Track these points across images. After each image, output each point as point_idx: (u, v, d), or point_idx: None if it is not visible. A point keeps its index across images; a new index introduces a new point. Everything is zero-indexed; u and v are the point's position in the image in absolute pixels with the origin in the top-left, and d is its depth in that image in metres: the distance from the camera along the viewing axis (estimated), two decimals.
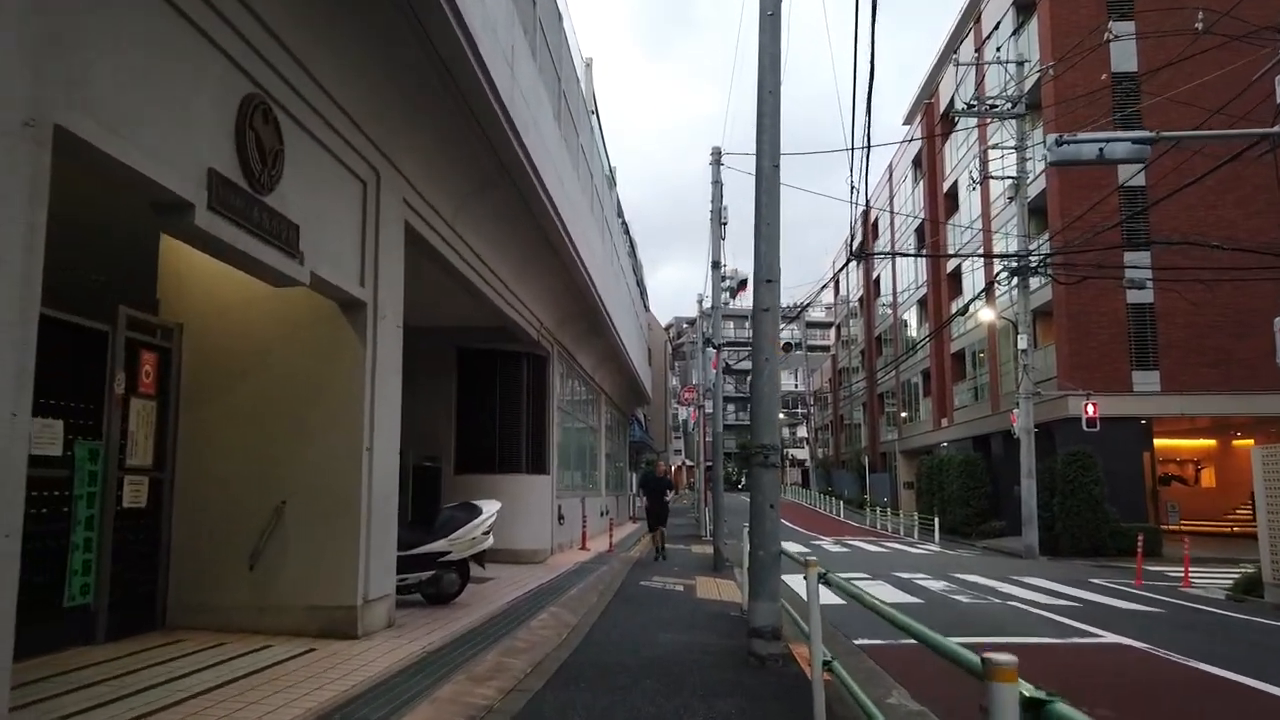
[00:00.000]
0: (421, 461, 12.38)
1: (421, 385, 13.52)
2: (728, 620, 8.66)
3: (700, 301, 27.30)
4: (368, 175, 6.42)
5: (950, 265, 30.99)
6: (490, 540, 8.37)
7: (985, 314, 23.07)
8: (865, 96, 9.65)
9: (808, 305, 32.40)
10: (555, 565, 13.18)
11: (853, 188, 11.75)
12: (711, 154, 15.16)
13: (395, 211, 6.95)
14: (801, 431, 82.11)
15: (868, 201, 13.36)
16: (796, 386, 79.11)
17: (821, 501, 46.82)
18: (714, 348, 14.24)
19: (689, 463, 71.66)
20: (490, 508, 8.38)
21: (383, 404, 6.63)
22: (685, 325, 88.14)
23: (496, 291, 10.83)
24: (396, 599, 7.93)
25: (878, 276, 44.15)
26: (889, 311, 42.23)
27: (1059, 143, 10.38)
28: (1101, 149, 10.28)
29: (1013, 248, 23.94)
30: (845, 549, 20.69)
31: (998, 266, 23.71)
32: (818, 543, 22.86)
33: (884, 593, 11.33)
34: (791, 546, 21.21)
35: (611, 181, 22.42)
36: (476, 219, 9.03)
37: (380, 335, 6.58)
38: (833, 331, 61.04)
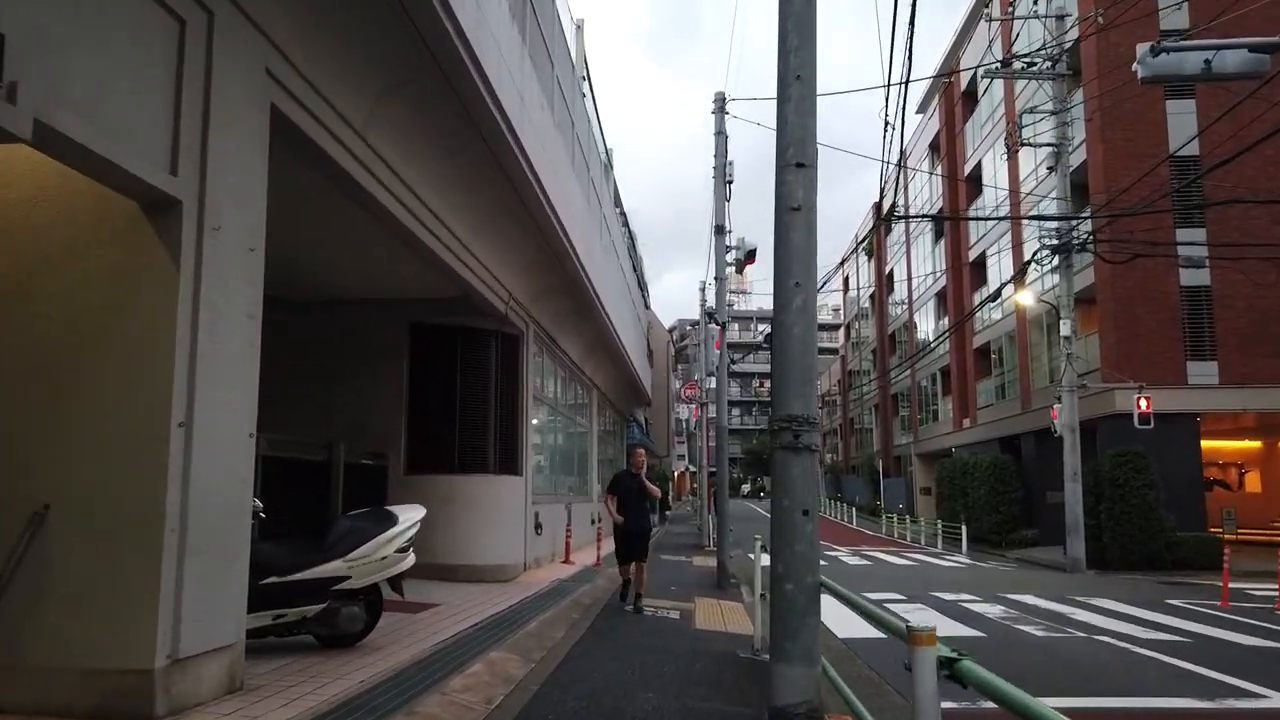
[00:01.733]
0: (359, 459, 10.16)
1: (364, 368, 11.31)
2: (735, 666, 6.44)
3: (703, 290, 25.09)
4: (187, 9, 4.21)
5: (974, 253, 28.73)
6: (410, 560, 6.14)
7: (1024, 298, 20.80)
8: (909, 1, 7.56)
9: (824, 283, 30.11)
10: (527, 584, 10.96)
11: (887, 124, 9.53)
12: (714, 100, 12.97)
13: (247, 82, 4.74)
14: None
15: (903, 151, 11.18)
16: None
17: (831, 508, 44.49)
18: (717, 324, 12.02)
19: (692, 468, 69.35)
20: (409, 516, 6.16)
21: (215, 361, 4.42)
22: (689, 327, 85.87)
23: (446, 245, 8.63)
24: (277, 640, 5.72)
25: (890, 271, 41.89)
26: (901, 309, 39.95)
27: (1155, 52, 8.18)
28: (1209, 60, 8.07)
29: (1049, 227, 21.71)
30: (865, 561, 18.42)
31: (1033, 245, 21.45)
32: (833, 553, 20.59)
33: (933, 622, 9.07)
34: None
35: (608, 167, 20.29)
36: (402, 134, 6.83)
37: (212, 256, 4.37)
38: (841, 332, 58.70)
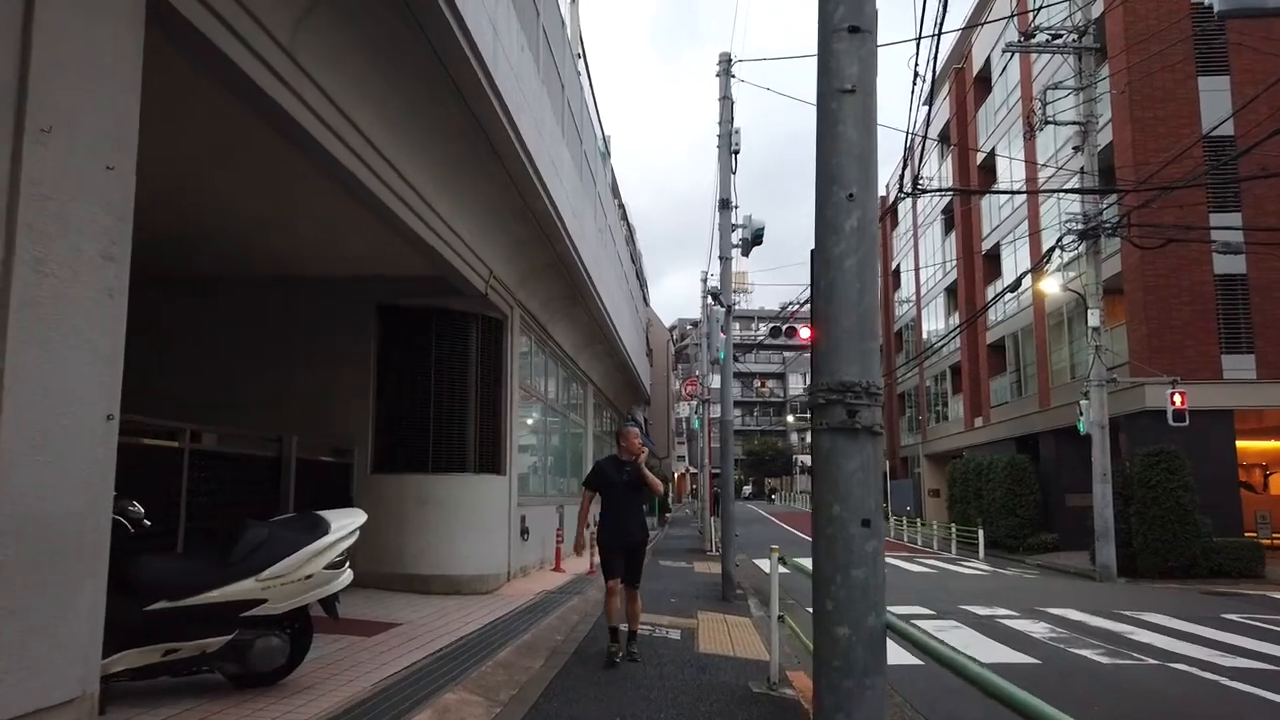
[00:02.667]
0: (318, 455, 8.96)
1: (326, 354, 10.10)
2: (751, 707, 5.25)
3: (704, 281, 23.89)
4: None
5: (987, 245, 27.53)
6: (345, 577, 4.94)
7: (1049, 285, 19.59)
8: None
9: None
10: (509, 596, 9.76)
11: (916, 75, 8.33)
12: (719, 61, 11.78)
13: None
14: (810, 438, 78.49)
15: (929, 113, 10.00)
16: (805, 389, 75.75)
17: None
18: (722, 305, 10.81)
19: (693, 469, 68.09)
20: (344, 523, 4.96)
21: (47, 311, 3.22)
22: (689, 327, 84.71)
23: (407, 205, 7.43)
24: (174, 681, 4.53)
25: (896, 266, 40.71)
26: (908, 306, 38.75)
27: None
28: None
29: (1072, 211, 20.52)
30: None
31: (1053, 234, 20.26)
32: None
33: (974, 645, 7.88)
34: (808, 563, 17.24)
35: (605, 155, 19.12)
36: (335, 52, 5.63)
37: (38, 166, 3.18)
38: None
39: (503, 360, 11.01)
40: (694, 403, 24.46)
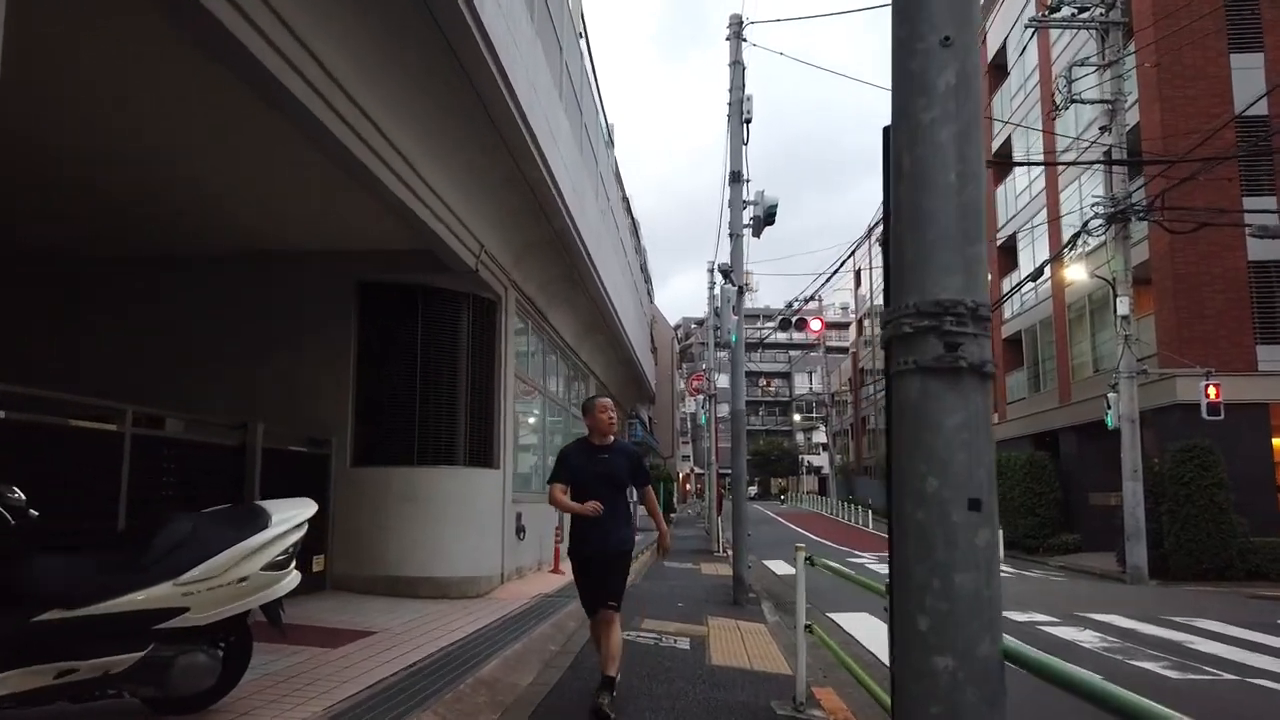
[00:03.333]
0: (288, 445, 8.15)
1: (302, 336, 9.28)
2: None
3: (712, 272, 23.02)
4: None
5: (1002, 236, 26.64)
6: (290, 580, 4.11)
7: (1075, 272, 18.70)
8: None
9: (831, 275, 28.07)
10: (502, 600, 8.94)
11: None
12: (730, 24, 10.95)
13: None
14: (817, 437, 77.63)
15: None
16: (811, 390, 74.76)
17: (844, 511, 42.39)
18: (733, 284, 9.94)
19: (698, 470, 67.15)
20: (288, 515, 4.12)
21: None
22: (694, 326, 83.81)
23: (385, 161, 6.62)
24: (75, 707, 3.71)
25: None
26: None
27: None
28: None
29: (1089, 198, 19.65)
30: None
31: (1074, 221, 19.37)
32: (858, 560, 18.54)
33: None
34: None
35: (609, 143, 18.32)
36: None
37: None
38: (853, 328, 56.62)
39: (496, 344, 10.19)
40: (700, 398, 23.60)
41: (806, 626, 5.49)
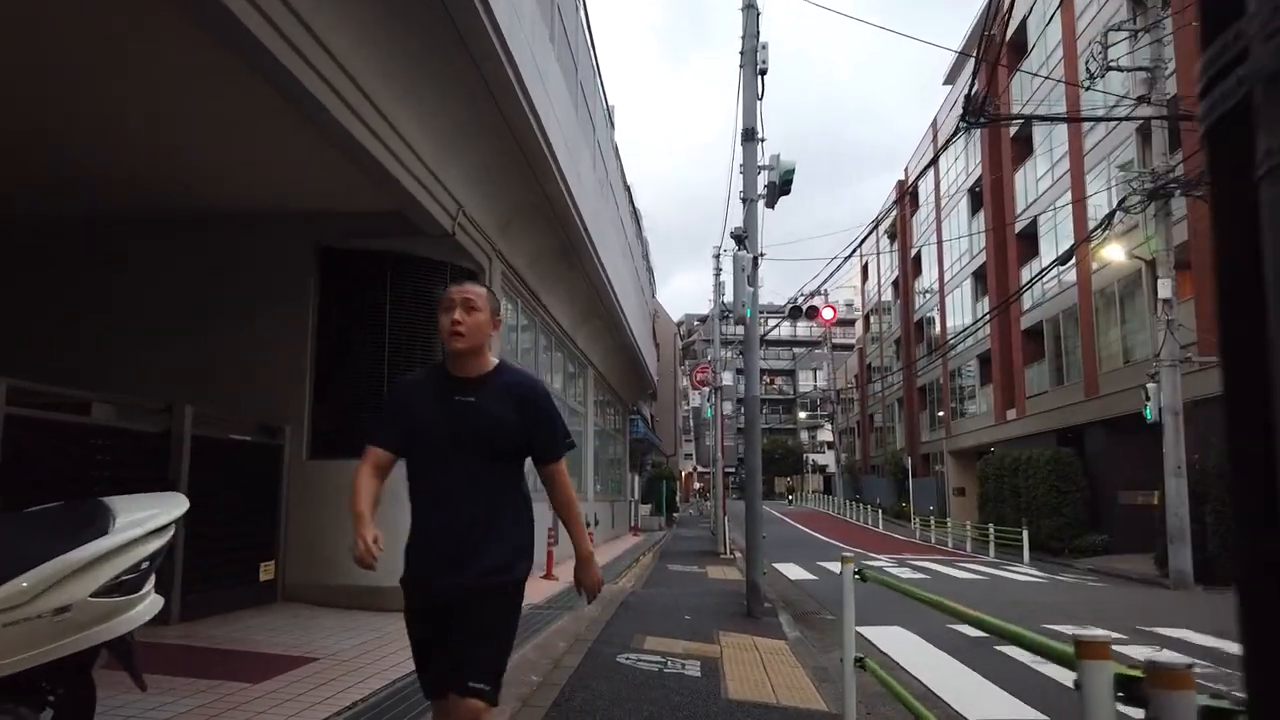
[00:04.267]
0: (228, 433, 6.97)
1: (252, 310, 8.10)
2: None
3: (717, 258, 21.83)
4: None
5: (1022, 223, 25.41)
6: (146, 607, 2.90)
7: (1112, 252, 17.47)
8: None
9: (838, 266, 26.90)
10: None
11: None
12: None
13: None
14: (822, 435, 76.36)
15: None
16: (815, 386, 73.55)
17: (851, 510, 41.19)
18: (745, 249, 8.69)
19: (701, 469, 65.92)
20: (140, 515, 2.92)
21: None
22: (696, 323, 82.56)
23: (339, 93, 5.44)
24: None
25: (917, 254, 38.57)
26: (928, 297, 36.62)
27: None
28: None
29: (1121, 178, 18.43)
30: (919, 574, 15.15)
31: (1103, 203, 18.16)
32: (875, 563, 17.34)
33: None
34: (838, 567, 15.23)
35: (610, 123, 17.16)
36: None
37: None
38: (859, 323, 55.36)
39: None
40: (706, 390, 22.40)
41: (858, 660, 4.30)
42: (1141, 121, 15.31)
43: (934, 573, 15.38)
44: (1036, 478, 21.21)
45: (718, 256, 20.89)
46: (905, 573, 15.28)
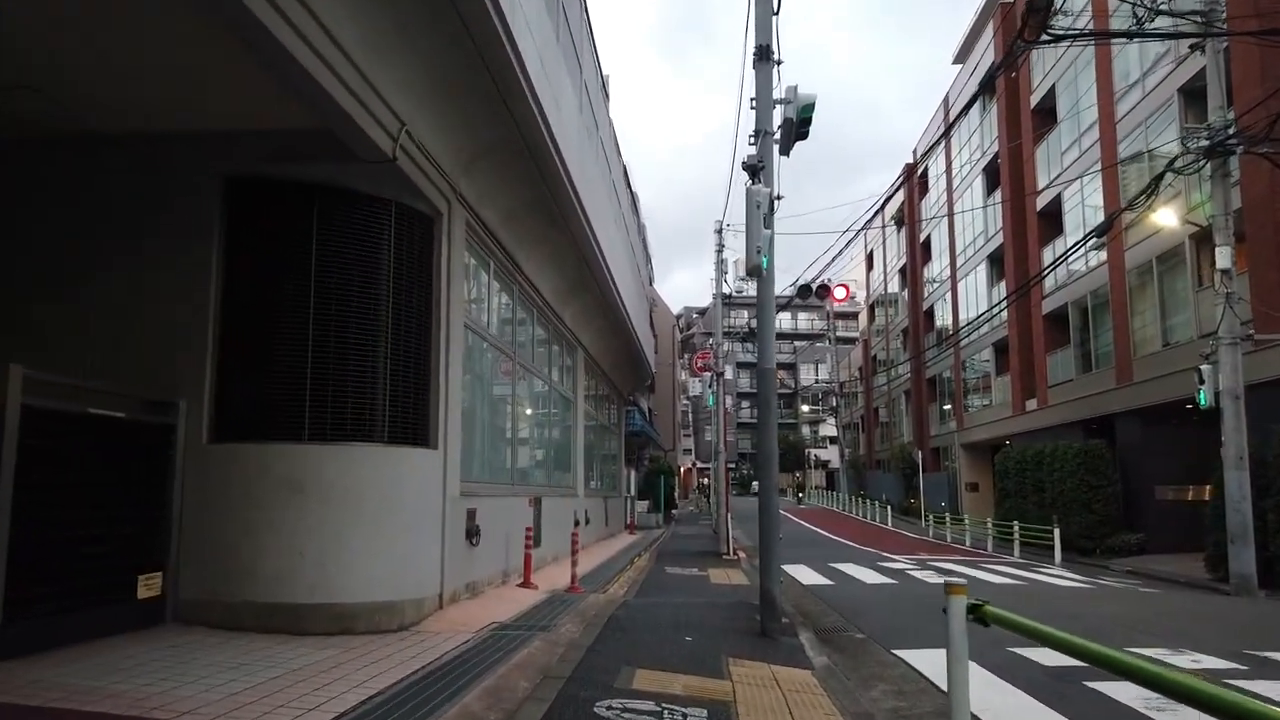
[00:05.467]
0: (89, 407, 5.37)
1: (140, 255, 6.50)
2: None
3: (721, 245, 20.19)
4: None
5: (1044, 199, 23.78)
6: None
7: (1163, 217, 15.83)
8: None
9: (840, 251, 25.38)
10: (433, 635, 6.20)
11: None
12: None
13: None
14: (824, 430, 74.76)
15: None
16: (816, 381, 71.96)
17: (856, 506, 39.62)
18: (760, 181, 7.02)
19: (700, 464, 64.24)
20: None
21: None
22: (695, 315, 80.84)
23: None
24: None
25: (926, 239, 36.94)
26: (937, 285, 35.02)
27: None
28: None
29: (1162, 148, 16.84)
30: (941, 579, 13.56)
31: (1137, 176, 16.56)
32: (892, 564, 15.77)
33: None
34: (857, 571, 12.96)
35: (605, 90, 15.63)
36: None
37: None
38: (863, 315, 53.72)
39: (435, 277, 7.40)
40: (708, 376, 20.78)
41: None
42: (1224, 42, 13.51)
43: (962, 576, 13.73)
44: (1064, 471, 19.62)
45: (720, 231, 19.30)
46: (928, 575, 13.70)
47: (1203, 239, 16.61)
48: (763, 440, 7.43)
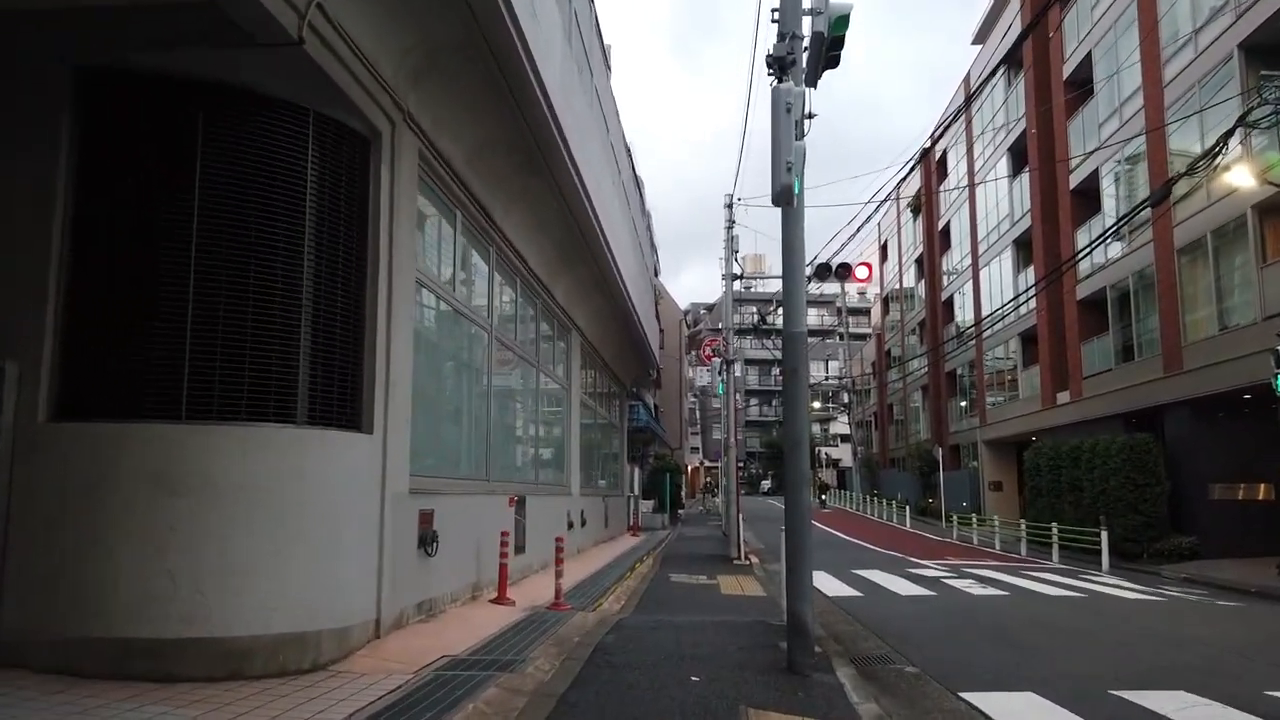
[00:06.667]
0: None
1: None
2: None
3: (731, 222, 18.53)
4: None
5: (1078, 177, 22.08)
6: None
7: (1237, 177, 14.12)
8: None
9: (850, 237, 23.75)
10: (360, 678, 4.64)
11: None
12: None
13: None
14: (835, 427, 73.03)
15: None
16: (827, 378, 70.23)
17: (871, 506, 37.94)
18: (788, 79, 5.41)
19: (708, 463, 62.54)
20: None
21: None
22: (703, 311, 79.14)
23: None
24: None
25: (945, 226, 35.19)
26: (956, 276, 33.31)
27: None
28: None
29: (1223, 111, 15.14)
30: (990, 589, 11.92)
31: (1188, 138, 14.87)
32: (922, 570, 14.14)
33: None
34: (886, 579, 11.60)
35: (606, 66, 14.14)
36: None
37: None
38: (877, 306, 51.92)
39: (374, 215, 5.81)
40: (717, 363, 19.18)
41: None
42: None
43: (1007, 586, 12.14)
44: (1108, 469, 17.91)
45: (730, 206, 17.65)
46: (970, 586, 12.06)
47: (1266, 210, 14.95)
48: (791, 419, 5.83)
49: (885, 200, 17.17)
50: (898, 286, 44.05)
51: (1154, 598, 11.26)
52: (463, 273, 8.49)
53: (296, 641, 4.82)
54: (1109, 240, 19.07)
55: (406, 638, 5.86)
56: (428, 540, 6.57)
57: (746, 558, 15.15)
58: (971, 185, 31.24)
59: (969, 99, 24.56)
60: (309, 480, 5.02)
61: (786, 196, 4.97)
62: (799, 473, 5.84)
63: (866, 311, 68.75)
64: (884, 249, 47.43)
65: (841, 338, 53.79)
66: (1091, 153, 21.12)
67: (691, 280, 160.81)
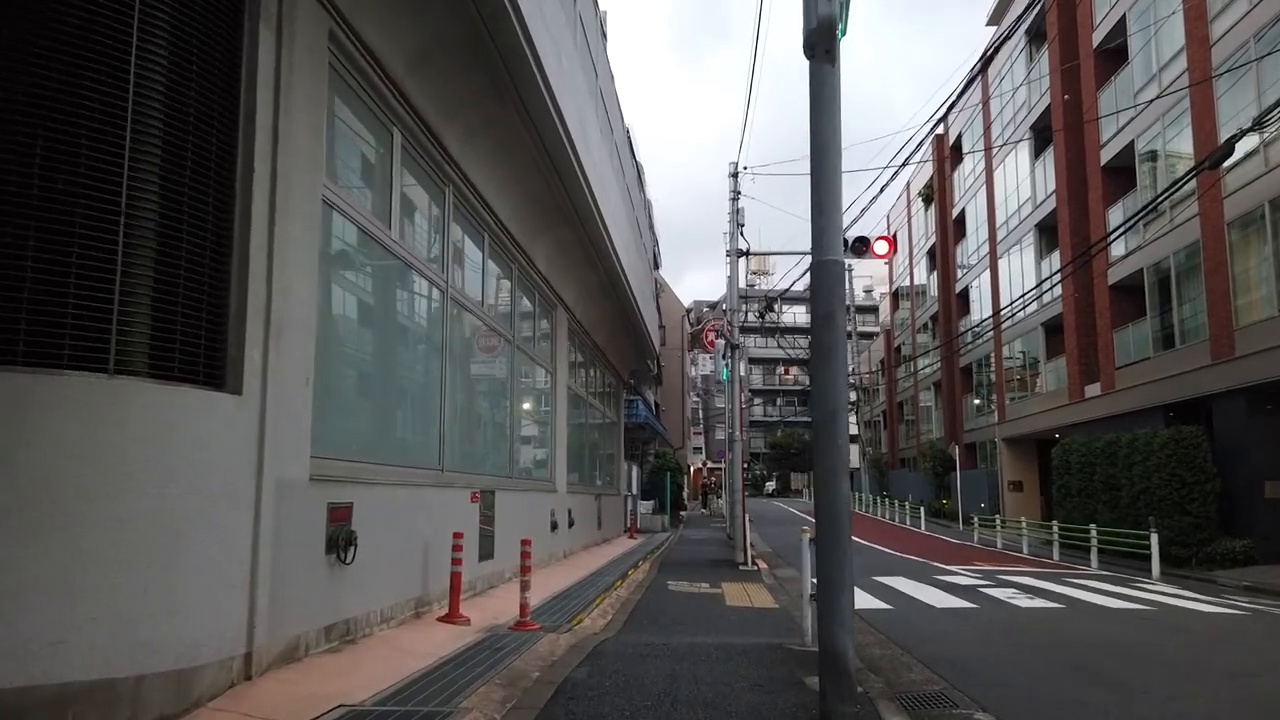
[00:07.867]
0: None
1: None
2: None
3: (736, 192, 16.89)
4: None
5: (1109, 153, 20.44)
6: None
7: None
8: None
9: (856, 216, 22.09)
10: None
11: None
12: None
13: None
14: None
15: None
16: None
17: (882, 507, 36.31)
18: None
19: (710, 464, 60.71)
20: None
21: None
22: (706, 309, 77.47)
23: None
24: None
25: (960, 214, 33.53)
26: (971, 267, 31.68)
27: None
28: None
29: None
30: (1040, 600, 10.30)
31: (1240, 104, 13.24)
32: (953, 578, 12.51)
33: None
34: (915, 588, 10.74)
35: (601, 31, 12.64)
36: None
37: None
38: (887, 301, 50.21)
39: (246, 96, 4.22)
40: (722, 345, 17.56)
41: None
42: None
43: (1057, 596, 10.52)
44: (1150, 465, 16.27)
45: (735, 175, 16.07)
46: (1014, 596, 10.44)
47: None
48: (824, 382, 4.23)
49: (905, 163, 15.65)
50: (908, 282, 42.41)
51: (1234, 611, 9.62)
52: (408, 217, 6.91)
53: (101, 692, 3.24)
54: (1148, 217, 17.45)
55: (295, 677, 4.28)
56: (341, 543, 4.99)
57: (753, 562, 13.55)
58: (989, 168, 29.60)
59: (985, 63, 22.94)
60: (127, 455, 3.44)
61: (825, 36, 3.36)
62: (835, 455, 4.24)
63: (874, 309, 66.98)
64: (893, 242, 45.78)
65: (850, 336, 52.13)
66: (1123, 129, 19.47)
67: (695, 282, 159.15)
